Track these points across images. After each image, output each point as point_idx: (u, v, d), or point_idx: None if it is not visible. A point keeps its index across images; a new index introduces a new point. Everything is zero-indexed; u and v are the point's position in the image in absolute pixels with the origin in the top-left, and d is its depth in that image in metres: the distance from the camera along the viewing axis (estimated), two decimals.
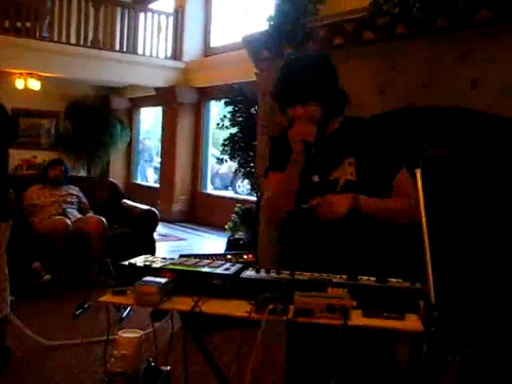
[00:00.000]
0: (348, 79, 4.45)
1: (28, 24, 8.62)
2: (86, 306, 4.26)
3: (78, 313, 4.21)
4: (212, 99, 9.19)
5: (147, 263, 1.65)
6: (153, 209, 5.82)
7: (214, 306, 1.55)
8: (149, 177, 12.63)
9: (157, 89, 9.77)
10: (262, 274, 1.66)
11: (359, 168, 1.89)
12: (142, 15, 9.62)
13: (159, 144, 10.99)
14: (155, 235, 5.90)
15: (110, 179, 7.75)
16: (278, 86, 1.90)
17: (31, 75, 9.26)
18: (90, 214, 5.49)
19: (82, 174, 10.22)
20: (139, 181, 11.90)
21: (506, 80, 3.50)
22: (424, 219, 1.54)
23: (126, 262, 1.64)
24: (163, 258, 1.79)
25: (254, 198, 6.80)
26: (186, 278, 1.59)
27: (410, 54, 4.08)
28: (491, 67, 3.58)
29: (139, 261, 1.68)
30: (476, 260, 3.58)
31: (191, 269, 1.62)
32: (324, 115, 1.85)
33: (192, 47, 9.57)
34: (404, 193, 1.88)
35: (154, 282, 1.52)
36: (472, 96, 3.70)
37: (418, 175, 1.51)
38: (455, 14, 3.71)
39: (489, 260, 3.52)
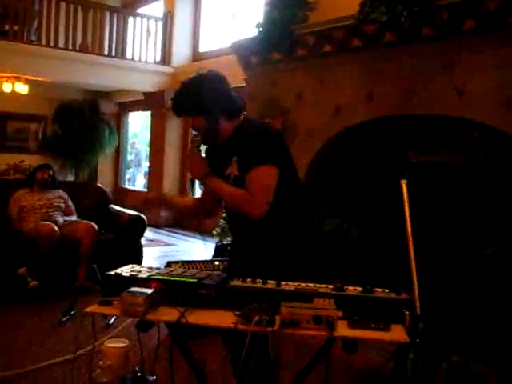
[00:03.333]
0: (337, 86, 4.52)
1: (16, 27, 8.56)
2: (72, 312, 4.23)
3: (64, 319, 4.18)
4: None
5: (134, 273, 1.65)
6: (140, 215, 5.80)
7: (200, 317, 1.55)
8: (137, 181, 12.58)
9: (145, 93, 9.75)
10: (248, 283, 1.67)
11: (240, 164, 2.18)
12: (131, 20, 9.58)
13: (147, 148, 10.96)
14: (143, 240, 5.88)
15: (98, 184, 7.71)
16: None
17: (18, 79, 9.20)
18: (74, 217, 5.46)
19: (70, 178, 10.15)
20: (127, 185, 11.84)
21: (492, 89, 3.54)
22: (409, 229, 1.55)
23: (113, 272, 1.63)
24: (150, 268, 1.78)
25: None
26: (172, 289, 1.59)
27: (398, 61, 4.10)
28: (477, 76, 3.62)
29: (125, 270, 1.68)
30: (460, 268, 3.61)
31: (177, 279, 1.62)
32: (211, 124, 2.19)
33: (181, 52, 9.56)
34: (248, 186, 2.11)
35: (140, 292, 1.51)
36: (458, 104, 3.73)
37: (404, 186, 1.52)
38: (442, 24, 3.75)
39: (472, 268, 3.54)
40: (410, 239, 1.49)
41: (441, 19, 3.74)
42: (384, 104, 4.18)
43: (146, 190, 10.63)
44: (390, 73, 4.15)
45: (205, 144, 2.31)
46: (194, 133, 2.32)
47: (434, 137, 4.13)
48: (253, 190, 2.08)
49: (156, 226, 9.04)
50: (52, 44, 8.66)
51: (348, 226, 4.22)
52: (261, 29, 4.96)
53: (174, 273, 1.70)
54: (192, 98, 2.18)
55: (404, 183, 1.52)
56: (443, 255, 3.73)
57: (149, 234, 7.34)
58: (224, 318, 1.54)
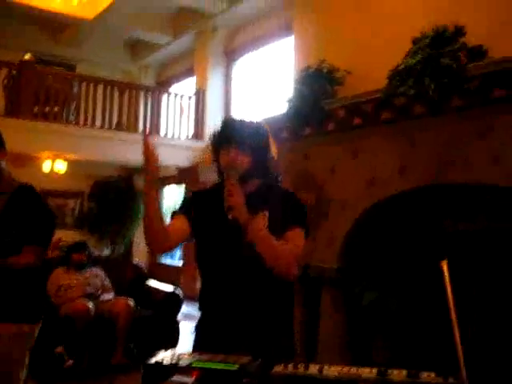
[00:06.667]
0: (369, 158, 4.55)
1: (56, 109, 8.94)
2: None
3: None
4: None
5: (174, 361, 1.64)
6: (177, 292, 5.81)
7: None
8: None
9: (179, 168, 9.95)
10: (290, 369, 1.64)
11: (271, 221, 2.01)
12: (164, 97, 9.93)
13: None
14: (179, 315, 5.86)
15: (134, 260, 7.80)
16: (220, 130, 2.17)
17: (58, 158, 9.52)
18: (112, 295, 5.50)
19: (106, 252, 10.27)
20: (162, 259, 11.88)
21: None
22: (453, 311, 1.52)
23: (153, 361, 1.63)
24: (190, 353, 1.77)
25: None
26: (213, 377, 1.57)
27: (429, 132, 4.13)
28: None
29: (166, 358, 1.67)
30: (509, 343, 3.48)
31: (218, 367, 1.60)
32: (251, 168, 2.07)
33: (213, 127, 9.73)
34: (290, 243, 2.00)
35: (181, 383, 1.50)
36: (493, 172, 3.71)
37: (445, 268, 1.50)
38: (470, 93, 3.78)
39: None
40: (454, 318, 1.46)
41: (468, 89, 3.78)
42: (418, 174, 4.18)
43: (181, 262, 10.64)
44: (422, 143, 4.18)
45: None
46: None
47: (470, 205, 4.09)
48: (296, 249, 2.02)
49: (192, 298, 8.99)
50: (89, 124, 9.01)
51: (387, 299, 4.14)
52: (291, 104, 5.08)
53: (214, 359, 1.68)
54: (257, 135, 2.13)
55: (445, 264, 1.51)
56: (490, 330, 3.61)
57: (184, 307, 7.30)
58: None
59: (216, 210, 2.03)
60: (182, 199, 2.34)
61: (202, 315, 2.21)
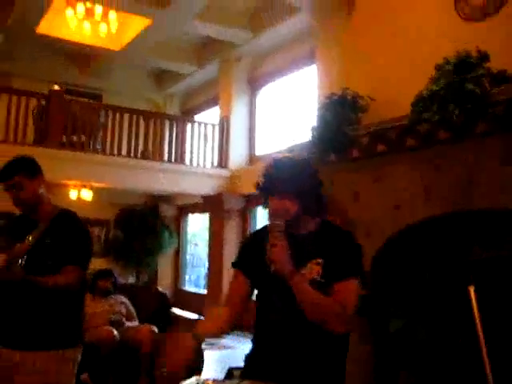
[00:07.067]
0: (393, 185, 4.53)
1: (83, 138, 9.10)
2: None
3: None
4: (258, 205, 9.31)
5: None
6: (201, 319, 5.77)
7: None
8: (197, 282, 12.59)
9: (204, 196, 9.99)
10: None
11: (326, 269, 1.98)
12: (189, 126, 10.03)
13: (206, 248, 11.07)
14: (203, 345, 5.81)
15: (158, 288, 7.78)
16: (262, 180, 2.08)
17: (84, 186, 9.65)
18: (136, 322, 5.49)
19: (131, 280, 10.30)
20: (187, 286, 11.88)
21: None
22: (482, 337, 1.49)
23: None
24: (214, 380, 1.76)
25: None
26: None
27: (454, 158, 4.10)
28: None
29: None
30: None
31: None
32: (300, 212, 2.00)
33: (237, 156, 9.85)
34: (339, 298, 1.94)
35: None
36: None
37: (472, 293, 1.47)
38: (495, 119, 3.75)
39: None
40: (484, 349, 1.43)
41: (493, 114, 3.75)
42: (442, 201, 4.14)
43: (205, 291, 10.61)
44: (447, 169, 4.14)
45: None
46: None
47: (497, 230, 4.03)
48: (346, 304, 1.93)
49: None
50: (116, 152, 9.12)
51: (415, 327, 4.06)
52: (315, 130, 5.09)
53: None
54: (301, 176, 2.00)
55: (472, 290, 1.48)
56: None
57: None
58: None
59: (262, 256, 1.99)
60: (239, 248, 2.32)
61: (254, 349, 2.21)
